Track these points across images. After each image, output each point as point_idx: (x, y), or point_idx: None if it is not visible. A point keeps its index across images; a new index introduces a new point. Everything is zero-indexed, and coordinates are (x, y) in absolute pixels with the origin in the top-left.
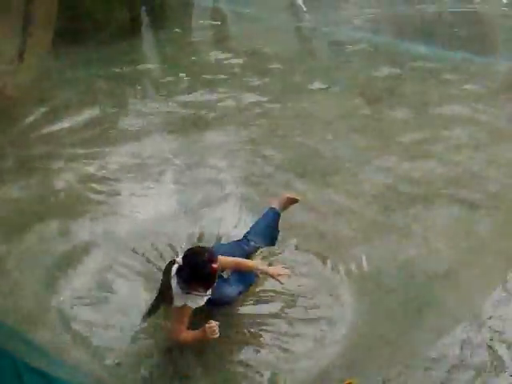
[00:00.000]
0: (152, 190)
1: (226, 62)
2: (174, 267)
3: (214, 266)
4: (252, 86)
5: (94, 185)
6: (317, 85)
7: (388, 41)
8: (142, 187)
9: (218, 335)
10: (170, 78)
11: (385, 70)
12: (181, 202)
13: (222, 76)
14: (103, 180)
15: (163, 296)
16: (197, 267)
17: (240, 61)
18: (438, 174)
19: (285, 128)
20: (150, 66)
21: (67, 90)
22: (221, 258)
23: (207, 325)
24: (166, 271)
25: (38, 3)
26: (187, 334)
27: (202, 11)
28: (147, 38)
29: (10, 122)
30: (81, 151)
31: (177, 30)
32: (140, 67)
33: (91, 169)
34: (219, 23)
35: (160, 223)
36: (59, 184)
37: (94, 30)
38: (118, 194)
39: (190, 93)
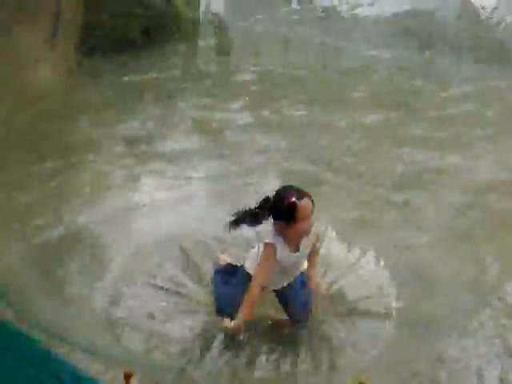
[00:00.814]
0: None
1: None
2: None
3: (294, 200)
4: None
5: None
6: None
7: None
8: None
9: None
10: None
11: None
12: None
13: None
14: None
15: (252, 216)
16: (279, 197)
17: None
18: None
19: None
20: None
21: None
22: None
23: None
24: (261, 202)
25: (66, 16)
26: (257, 291)
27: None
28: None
29: None
30: None
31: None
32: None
33: None
34: None
35: None
36: None
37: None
38: None
39: None
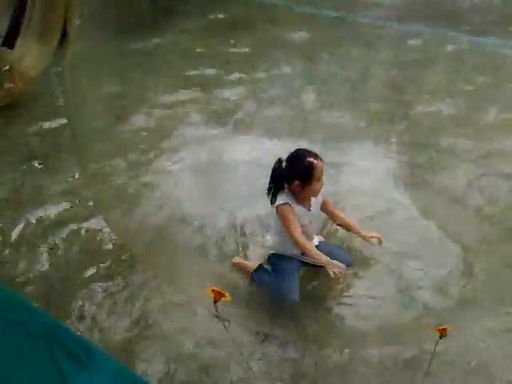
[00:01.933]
0: None
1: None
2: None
3: (312, 160)
4: None
5: None
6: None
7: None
8: None
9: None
10: None
11: None
12: None
13: None
14: None
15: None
16: (296, 157)
17: None
18: None
19: None
20: None
21: None
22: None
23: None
24: (275, 166)
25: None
26: (309, 244)
27: None
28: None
29: None
30: None
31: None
32: None
33: None
34: None
35: None
36: None
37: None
38: None
39: None
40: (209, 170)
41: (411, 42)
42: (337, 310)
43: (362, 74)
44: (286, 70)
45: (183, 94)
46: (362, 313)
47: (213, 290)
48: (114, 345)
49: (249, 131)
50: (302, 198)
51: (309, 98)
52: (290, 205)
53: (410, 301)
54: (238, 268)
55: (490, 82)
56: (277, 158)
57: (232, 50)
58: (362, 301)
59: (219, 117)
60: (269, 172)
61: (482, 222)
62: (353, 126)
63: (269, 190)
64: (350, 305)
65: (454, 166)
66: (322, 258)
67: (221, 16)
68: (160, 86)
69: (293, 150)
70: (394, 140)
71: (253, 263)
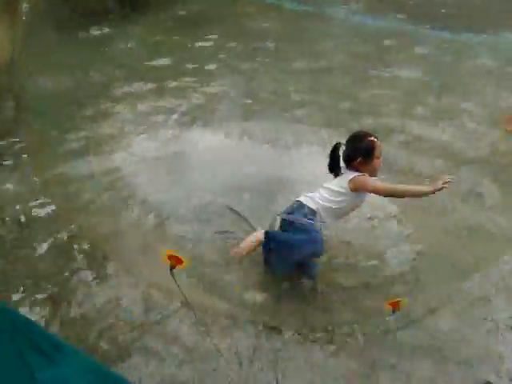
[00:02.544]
0: None
1: None
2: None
3: (373, 138)
4: None
5: None
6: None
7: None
8: None
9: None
10: None
11: None
12: None
13: None
14: None
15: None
16: (357, 137)
17: None
18: None
19: None
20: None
21: None
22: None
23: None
24: (333, 150)
25: None
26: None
27: None
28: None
29: None
30: None
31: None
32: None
33: None
34: None
35: None
36: None
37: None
38: None
39: None
40: (168, 159)
41: (381, 36)
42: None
43: (325, 65)
44: (247, 62)
45: (140, 85)
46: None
47: (169, 256)
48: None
49: (200, 122)
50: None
51: (266, 87)
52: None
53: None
54: (241, 255)
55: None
56: (335, 143)
57: (197, 42)
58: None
59: (172, 107)
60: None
61: None
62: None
63: (330, 169)
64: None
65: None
66: (425, 189)
67: (190, 9)
68: (120, 76)
69: (354, 132)
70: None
71: (250, 239)
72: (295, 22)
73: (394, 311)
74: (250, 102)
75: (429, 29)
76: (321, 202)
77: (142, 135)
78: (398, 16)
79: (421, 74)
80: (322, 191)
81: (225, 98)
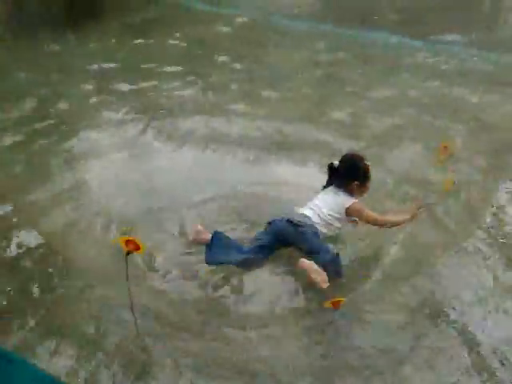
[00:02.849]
0: None
1: None
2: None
3: (366, 162)
4: None
5: None
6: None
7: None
8: None
9: None
10: None
11: None
12: None
13: None
14: None
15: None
16: (354, 160)
17: None
18: None
19: None
20: None
21: None
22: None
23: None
24: (329, 170)
25: None
26: (384, 217)
27: None
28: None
29: None
30: None
31: None
32: None
33: None
34: None
35: None
36: None
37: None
38: None
39: None
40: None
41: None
42: None
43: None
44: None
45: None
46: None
47: (127, 242)
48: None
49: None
50: (357, 197)
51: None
52: (358, 202)
53: None
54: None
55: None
56: (329, 163)
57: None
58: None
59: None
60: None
61: None
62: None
63: (324, 186)
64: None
65: None
66: (405, 219)
67: (141, 17)
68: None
69: (344, 155)
70: None
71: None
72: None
73: (335, 310)
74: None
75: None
76: (316, 219)
77: None
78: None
79: None
80: (318, 211)
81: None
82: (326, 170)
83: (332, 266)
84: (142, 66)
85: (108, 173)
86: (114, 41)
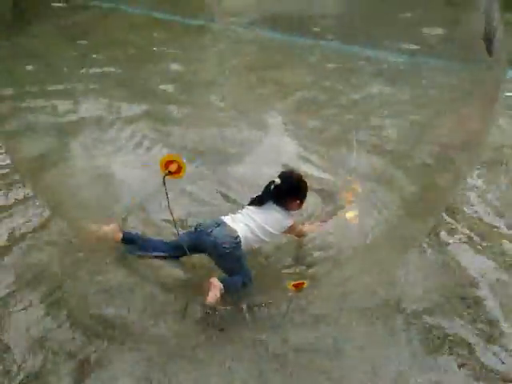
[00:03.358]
0: None
1: None
2: (273, 186)
3: (304, 180)
4: None
5: None
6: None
7: None
8: None
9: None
10: None
11: None
12: None
13: None
14: None
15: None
16: (295, 179)
17: None
18: None
19: None
20: None
21: None
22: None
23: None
24: (266, 188)
25: None
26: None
27: None
28: None
29: None
30: None
31: None
32: None
33: None
34: None
35: None
36: None
37: None
38: None
39: None
40: None
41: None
42: None
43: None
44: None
45: None
46: None
47: (167, 162)
48: None
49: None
50: (293, 213)
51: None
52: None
53: None
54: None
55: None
56: (270, 180)
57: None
58: None
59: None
60: None
61: None
62: None
63: (259, 201)
64: None
65: None
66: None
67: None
68: None
69: (284, 173)
70: None
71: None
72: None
73: (296, 292)
74: None
75: None
76: (249, 235)
77: None
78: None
79: None
80: (255, 227)
81: None
82: (263, 186)
83: (236, 289)
84: None
85: None
86: None
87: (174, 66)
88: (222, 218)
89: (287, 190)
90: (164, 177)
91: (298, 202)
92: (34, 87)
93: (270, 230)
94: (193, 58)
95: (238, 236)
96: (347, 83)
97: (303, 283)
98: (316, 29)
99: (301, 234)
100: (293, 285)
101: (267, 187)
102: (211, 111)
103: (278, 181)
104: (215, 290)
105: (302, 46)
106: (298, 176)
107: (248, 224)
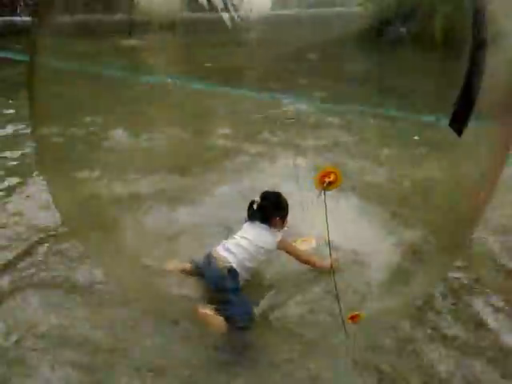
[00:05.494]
0: None
1: None
2: (254, 205)
3: (285, 198)
4: None
5: None
6: None
7: None
8: None
9: None
10: None
11: None
12: None
13: None
14: None
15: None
16: (277, 198)
17: None
18: None
19: None
20: None
21: None
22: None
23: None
24: (248, 209)
25: None
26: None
27: None
28: None
29: None
30: None
31: None
32: None
33: None
34: None
35: None
36: None
37: None
38: None
39: None
40: None
41: None
42: None
43: None
44: None
45: None
46: None
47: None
48: None
49: None
50: (278, 232)
51: None
52: (284, 238)
53: None
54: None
55: None
56: (250, 200)
57: None
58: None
59: None
60: None
61: None
62: None
63: (250, 220)
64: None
65: None
66: (323, 265)
67: None
68: None
69: (264, 192)
70: None
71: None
72: None
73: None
74: None
75: None
76: (244, 256)
77: None
78: None
79: None
80: (249, 246)
81: None
82: (246, 207)
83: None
84: None
85: None
86: None
87: None
88: (214, 249)
89: (268, 209)
90: (323, 191)
91: (279, 218)
92: None
93: (264, 246)
94: None
95: (232, 266)
96: None
97: (359, 315)
98: None
99: (302, 260)
100: (351, 317)
101: (249, 208)
102: None
103: (258, 200)
104: (212, 318)
105: None
106: (276, 194)
107: (240, 244)
